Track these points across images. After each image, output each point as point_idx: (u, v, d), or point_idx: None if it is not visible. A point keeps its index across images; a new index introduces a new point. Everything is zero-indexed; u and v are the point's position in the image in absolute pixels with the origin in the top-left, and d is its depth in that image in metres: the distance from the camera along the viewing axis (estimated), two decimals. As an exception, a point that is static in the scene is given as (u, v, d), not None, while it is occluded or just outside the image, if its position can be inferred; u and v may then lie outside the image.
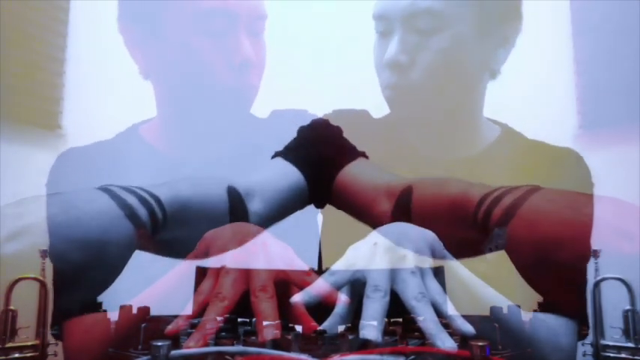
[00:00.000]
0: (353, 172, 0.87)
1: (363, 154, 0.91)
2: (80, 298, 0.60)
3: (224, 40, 0.98)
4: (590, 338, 0.56)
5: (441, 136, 1.01)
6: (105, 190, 0.66)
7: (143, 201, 0.66)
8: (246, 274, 0.58)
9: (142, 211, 0.65)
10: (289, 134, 0.93)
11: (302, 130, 0.92)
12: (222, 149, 1.02)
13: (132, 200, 0.65)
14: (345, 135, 0.93)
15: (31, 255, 0.57)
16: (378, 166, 0.88)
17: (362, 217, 0.84)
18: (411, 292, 0.55)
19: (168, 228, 0.69)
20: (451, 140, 1.02)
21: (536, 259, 0.62)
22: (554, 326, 0.59)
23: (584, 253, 0.57)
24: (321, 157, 0.89)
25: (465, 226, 0.69)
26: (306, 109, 1.03)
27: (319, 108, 1.02)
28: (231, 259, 0.60)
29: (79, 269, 0.59)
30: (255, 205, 0.79)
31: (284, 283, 0.59)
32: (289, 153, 0.90)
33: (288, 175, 0.86)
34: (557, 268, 0.60)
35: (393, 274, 0.56)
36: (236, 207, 0.75)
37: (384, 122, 1.05)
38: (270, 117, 1.08)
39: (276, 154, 0.91)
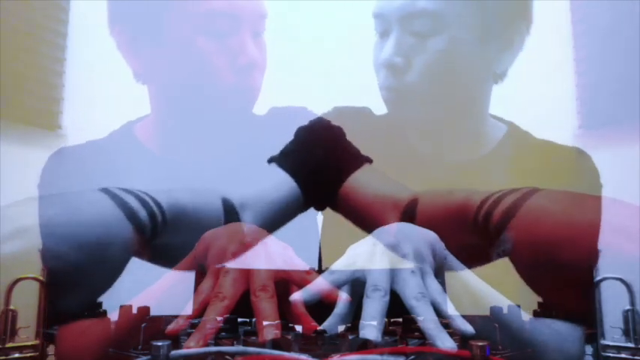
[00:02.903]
0: (359, 182, 0.84)
1: (368, 160, 0.88)
2: (80, 300, 0.60)
3: (227, 41, 0.97)
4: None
5: (442, 139, 0.99)
6: (105, 191, 0.65)
7: (143, 202, 0.66)
8: (246, 274, 0.58)
9: (142, 213, 0.64)
10: (288, 132, 0.90)
11: (300, 133, 0.89)
12: (218, 149, 1.01)
13: (132, 201, 0.64)
14: (347, 133, 0.90)
15: (31, 255, 0.56)
16: (384, 175, 0.86)
17: (367, 227, 0.81)
18: (411, 292, 0.55)
19: (166, 233, 0.68)
20: (454, 143, 1.01)
21: (536, 260, 0.60)
22: (560, 329, 0.57)
23: (585, 253, 0.56)
24: (323, 162, 0.86)
25: (467, 231, 0.68)
26: (305, 106, 1.01)
27: (319, 105, 1.01)
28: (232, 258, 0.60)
29: (79, 271, 0.58)
30: (248, 218, 0.79)
31: (284, 283, 0.59)
32: (284, 159, 0.87)
33: (281, 185, 0.84)
34: (558, 268, 0.58)
35: (393, 274, 0.56)
36: (230, 219, 0.75)
37: (386, 120, 1.03)
38: (269, 114, 1.07)
39: (271, 159, 0.88)
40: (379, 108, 1.05)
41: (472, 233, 0.68)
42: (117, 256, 0.62)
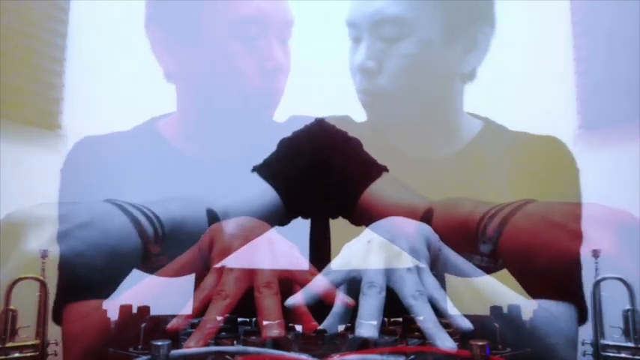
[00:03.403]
0: (378, 192, 0.86)
1: (385, 169, 0.90)
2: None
3: (256, 45, 1.01)
4: (590, 338, 0.56)
5: (420, 137, 1.03)
6: (116, 204, 0.69)
7: (148, 218, 0.70)
8: (250, 272, 0.58)
9: (149, 228, 0.69)
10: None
11: (283, 144, 0.90)
12: (239, 151, 1.02)
13: (140, 217, 0.69)
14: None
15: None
16: (401, 183, 0.88)
17: None
18: (408, 290, 0.55)
19: (164, 245, 0.71)
20: (431, 140, 1.04)
21: (521, 268, 0.67)
22: (555, 312, 0.61)
23: (556, 256, 0.62)
24: (344, 173, 0.88)
25: (474, 243, 0.72)
26: (323, 117, 1.02)
27: (320, 108, 1.02)
28: (237, 255, 0.60)
29: (99, 275, 0.64)
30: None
31: (287, 283, 0.59)
32: (265, 169, 0.88)
33: (262, 194, 0.86)
34: (538, 272, 0.65)
35: (389, 273, 0.56)
36: None
37: (366, 126, 1.06)
38: (288, 122, 1.08)
39: (254, 169, 0.89)
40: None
41: (477, 245, 0.72)
42: (127, 265, 0.67)
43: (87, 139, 1.01)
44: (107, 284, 0.64)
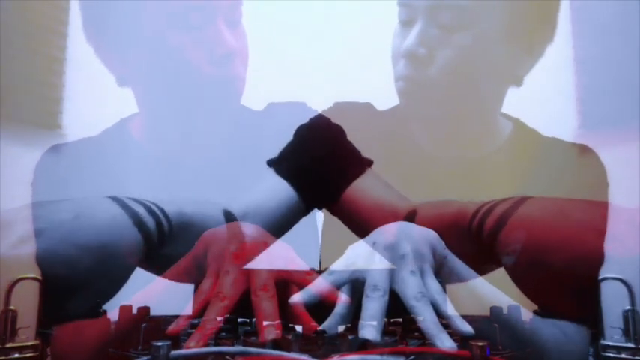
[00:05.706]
0: (362, 189, 0.83)
1: (369, 163, 0.87)
2: (85, 305, 0.60)
3: (203, 32, 0.96)
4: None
5: (448, 135, 0.97)
6: (113, 199, 0.66)
7: (150, 211, 0.66)
8: (247, 274, 0.58)
9: (150, 221, 0.65)
10: (286, 129, 0.89)
11: (299, 133, 0.87)
12: (212, 147, 1.00)
13: (140, 210, 0.65)
14: (347, 129, 0.88)
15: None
16: (385, 182, 0.85)
17: (364, 235, 0.78)
18: (411, 292, 0.55)
19: (172, 242, 0.69)
20: (460, 139, 0.99)
21: (528, 264, 0.61)
22: (565, 329, 0.58)
23: (575, 256, 0.56)
24: (324, 162, 0.85)
25: (462, 240, 0.68)
26: (304, 101, 1.00)
27: (318, 99, 1.00)
28: (232, 258, 0.60)
29: (87, 276, 0.59)
30: None
31: (284, 283, 0.59)
32: (281, 164, 0.86)
33: (280, 193, 0.84)
34: (549, 271, 0.59)
35: (393, 274, 0.56)
36: None
37: (389, 115, 1.01)
38: (266, 110, 1.06)
39: (270, 163, 0.87)
40: (379, 103, 1.04)
41: (468, 242, 0.68)
42: (123, 264, 0.63)
43: (54, 148, 0.98)
44: (103, 284, 0.61)
